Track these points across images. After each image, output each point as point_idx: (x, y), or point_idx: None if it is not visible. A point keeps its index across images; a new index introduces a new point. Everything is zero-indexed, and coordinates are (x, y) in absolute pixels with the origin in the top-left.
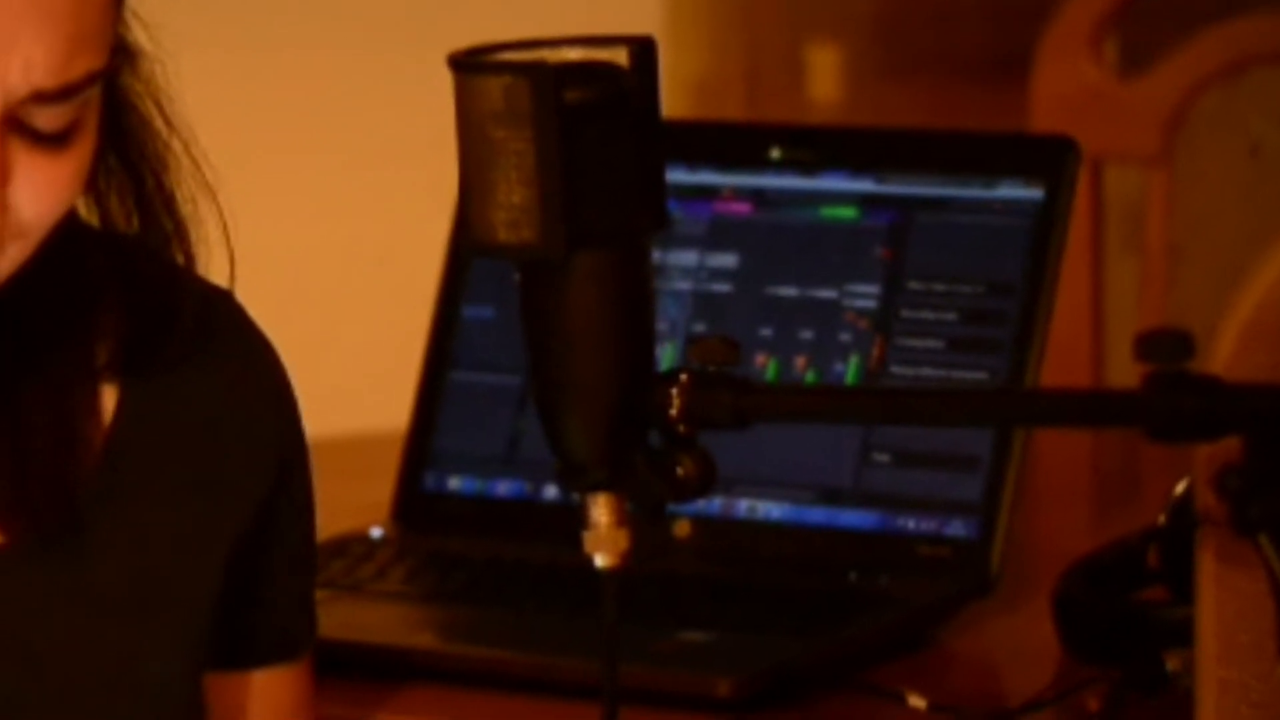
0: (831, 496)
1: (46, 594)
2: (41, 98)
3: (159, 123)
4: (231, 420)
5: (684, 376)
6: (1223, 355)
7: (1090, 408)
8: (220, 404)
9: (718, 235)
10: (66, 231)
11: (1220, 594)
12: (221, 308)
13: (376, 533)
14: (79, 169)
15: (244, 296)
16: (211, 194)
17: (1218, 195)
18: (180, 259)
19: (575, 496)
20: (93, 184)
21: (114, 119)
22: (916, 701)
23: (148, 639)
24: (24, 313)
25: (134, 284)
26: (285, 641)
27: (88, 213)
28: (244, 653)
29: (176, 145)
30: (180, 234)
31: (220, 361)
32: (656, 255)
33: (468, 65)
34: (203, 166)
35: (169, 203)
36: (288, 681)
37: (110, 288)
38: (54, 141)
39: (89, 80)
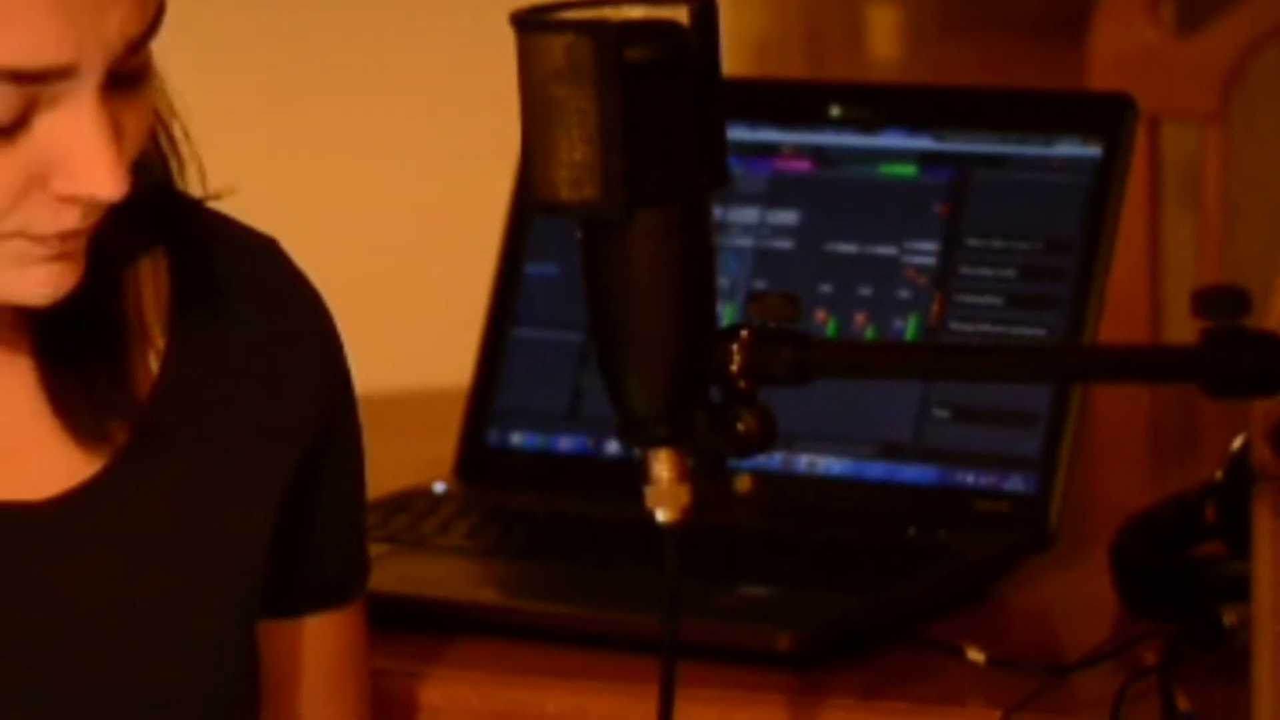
0: (891, 452)
1: (96, 546)
2: (133, 46)
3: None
4: (278, 368)
5: (745, 333)
6: (1279, 311)
7: (1148, 364)
8: (266, 352)
9: (778, 192)
10: None
11: (1277, 549)
12: (267, 256)
13: (439, 488)
14: (152, 97)
15: (308, 253)
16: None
17: (1274, 152)
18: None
19: (637, 452)
20: None
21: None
22: (975, 655)
23: (199, 589)
24: None
25: (177, 232)
26: (337, 587)
27: None
28: (296, 599)
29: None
30: (203, 174)
31: (266, 311)
32: (717, 212)
33: (530, 23)
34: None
35: (182, 144)
36: (340, 627)
37: (154, 236)
38: (136, 80)
39: (160, 13)
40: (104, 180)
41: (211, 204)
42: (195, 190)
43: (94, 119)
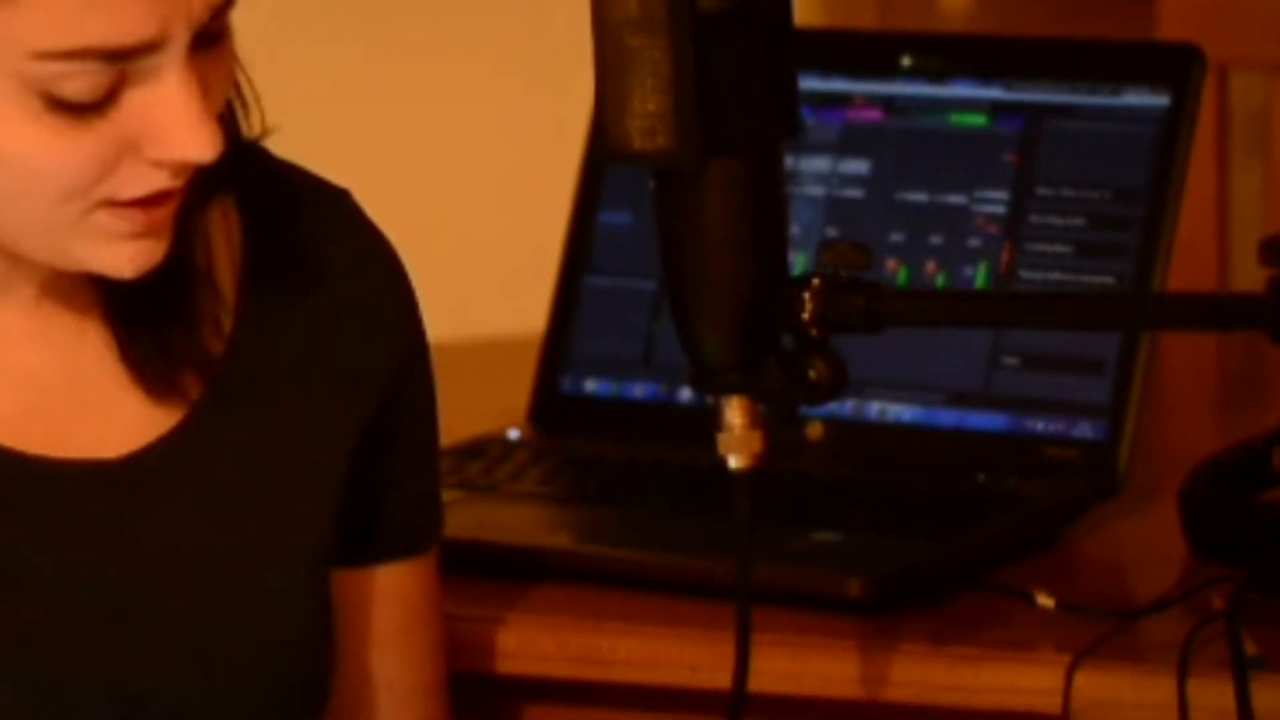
0: (961, 399)
1: (170, 504)
2: (216, 11)
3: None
4: (351, 320)
5: (816, 281)
6: None
7: (1215, 311)
8: (339, 305)
9: (849, 142)
10: None
11: None
12: (339, 207)
13: (514, 435)
14: (233, 55)
15: (385, 203)
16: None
17: None
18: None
19: (709, 399)
20: None
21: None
22: (1045, 601)
23: (272, 541)
24: None
25: (250, 185)
26: (410, 537)
27: None
28: (369, 549)
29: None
30: (262, 116)
31: (339, 262)
32: (789, 162)
33: None
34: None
35: (245, 88)
36: (413, 576)
37: (228, 188)
38: (218, 39)
39: None
40: (196, 143)
41: (285, 154)
42: (255, 131)
43: (183, 86)
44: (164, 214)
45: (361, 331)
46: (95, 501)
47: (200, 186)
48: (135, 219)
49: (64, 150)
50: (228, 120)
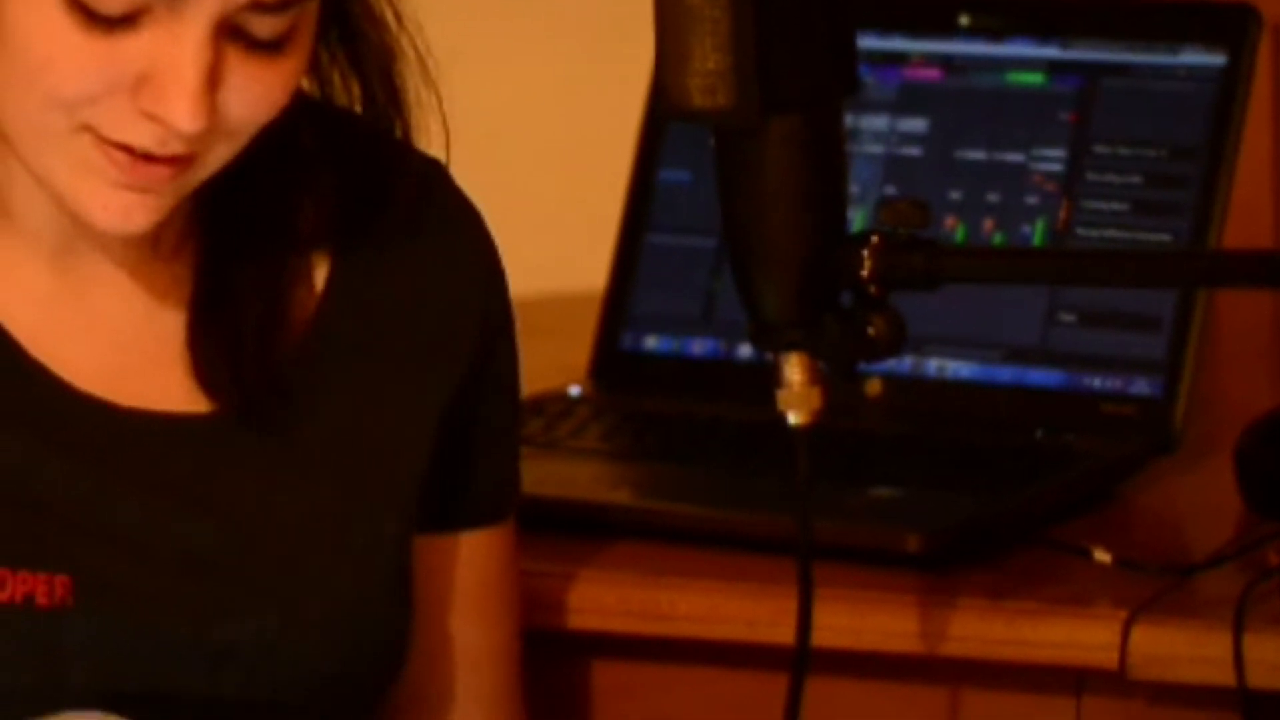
0: (1019, 356)
1: (257, 461)
2: (260, 6)
3: (389, 17)
4: (440, 289)
5: (875, 238)
6: None
7: (1272, 268)
8: (430, 273)
9: (908, 100)
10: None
11: None
12: (433, 179)
13: (575, 391)
14: (292, 76)
15: (450, 158)
16: (434, 89)
17: None
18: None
19: (769, 356)
20: (316, 64)
21: (343, 10)
22: (1102, 556)
23: (358, 503)
24: (236, 185)
25: (347, 155)
26: (492, 505)
27: (309, 85)
28: (452, 516)
29: (405, 40)
30: (404, 123)
31: (430, 232)
32: (848, 120)
33: None
34: (427, 62)
35: (395, 94)
36: (494, 543)
37: (323, 159)
38: (269, 49)
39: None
40: (181, 111)
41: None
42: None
43: (194, 51)
44: (153, 175)
45: (450, 299)
46: (183, 455)
47: (299, 158)
48: (120, 162)
49: (65, 49)
50: (342, 100)
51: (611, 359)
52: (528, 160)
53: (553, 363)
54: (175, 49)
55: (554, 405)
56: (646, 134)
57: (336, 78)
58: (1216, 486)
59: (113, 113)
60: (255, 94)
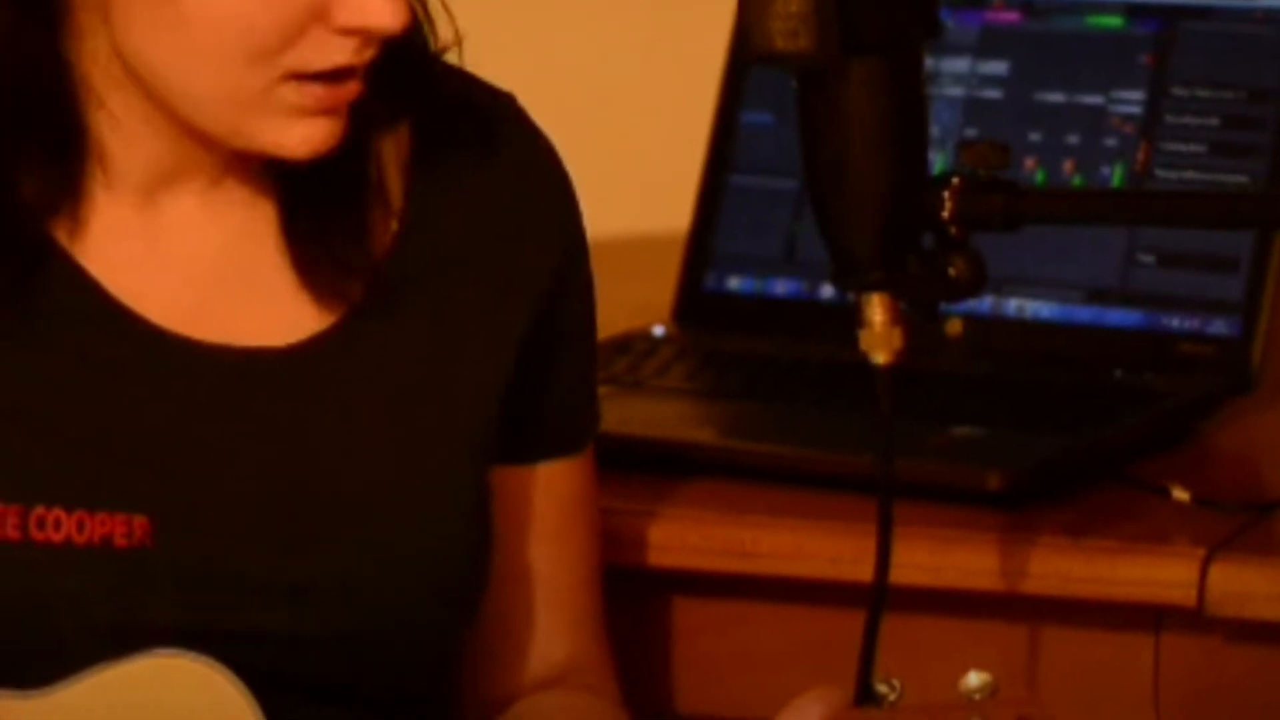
0: (1098, 296)
1: (335, 395)
2: None
3: None
4: (514, 219)
5: (956, 180)
6: None
7: None
8: (503, 203)
9: (988, 43)
10: None
11: None
12: (505, 112)
13: (658, 331)
14: None
15: (534, 101)
16: None
17: None
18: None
19: (851, 296)
20: None
21: None
22: (1180, 494)
23: (435, 436)
24: None
25: (419, 90)
26: (569, 434)
27: None
28: (529, 448)
29: None
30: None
31: (503, 165)
32: (929, 63)
33: None
34: None
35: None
36: (571, 473)
37: (397, 95)
38: None
39: None
40: (385, 11)
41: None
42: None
43: None
44: (346, 93)
45: (525, 233)
46: (261, 389)
47: (371, 94)
48: (319, 95)
49: (255, 10)
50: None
51: (695, 299)
52: (614, 103)
53: (637, 303)
54: None
55: (639, 345)
56: (729, 77)
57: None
58: None
59: (312, 46)
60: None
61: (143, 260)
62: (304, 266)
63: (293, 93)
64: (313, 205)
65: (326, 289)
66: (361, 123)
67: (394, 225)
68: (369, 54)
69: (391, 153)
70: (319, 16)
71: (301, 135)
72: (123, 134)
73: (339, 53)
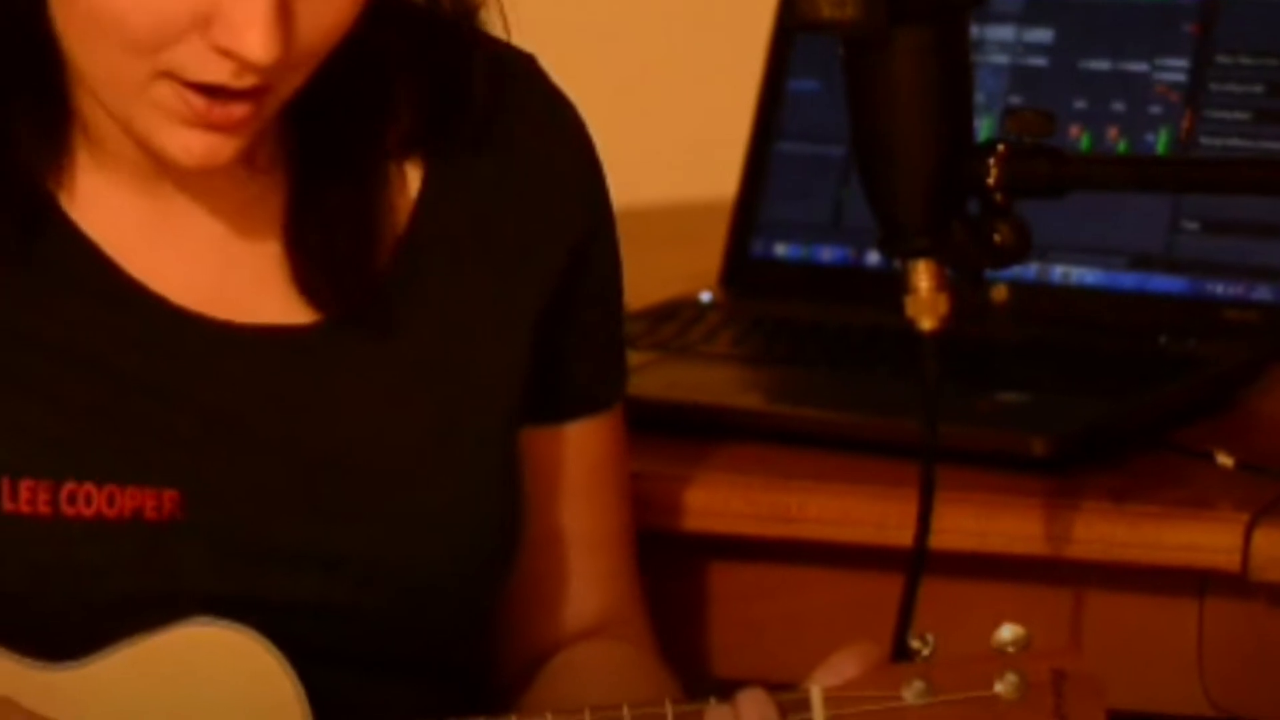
0: (1142, 263)
1: (358, 368)
2: None
3: None
4: (536, 186)
5: (1001, 147)
6: None
7: None
8: (524, 172)
9: (1033, 11)
10: (365, 12)
11: None
12: (524, 73)
13: (705, 297)
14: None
15: (582, 69)
16: None
17: None
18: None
19: (897, 263)
20: None
21: None
22: (1224, 460)
23: (461, 404)
24: (325, 96)
25: (434, 56)
26: (598, 393)
27: None
28: (557, 407)
29: None
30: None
31: (524, 129)
32: (974, 30)
33: None
34: None
35: None
36: (601, 431)
37: (410, 63)
38: None
39: None
40: (255, 43)
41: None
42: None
43: None
44: (231, 115)
45: (547, 194)
46: (284, 365)
47: (389, 59)
48: (196, 106)
49: (127, 6)
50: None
51: (742, 266)
52: (661, 70)
53: (684, 269)
54: None
55: (685, 311)
56: (776, 44)
57: None
58: None
59: (188, 53)
60: (326, 19)
61: (160, 241)
62: (324, 236)
63: (171, 95)
64: (331, 175)
65: (347, 259)
66: (372, 94)
67: (413, 193)
68: (249, 81)
69: (411, 119)
70: (199, 26)
71: (182, 143)
72: (110, 126)
73: (215, 70)
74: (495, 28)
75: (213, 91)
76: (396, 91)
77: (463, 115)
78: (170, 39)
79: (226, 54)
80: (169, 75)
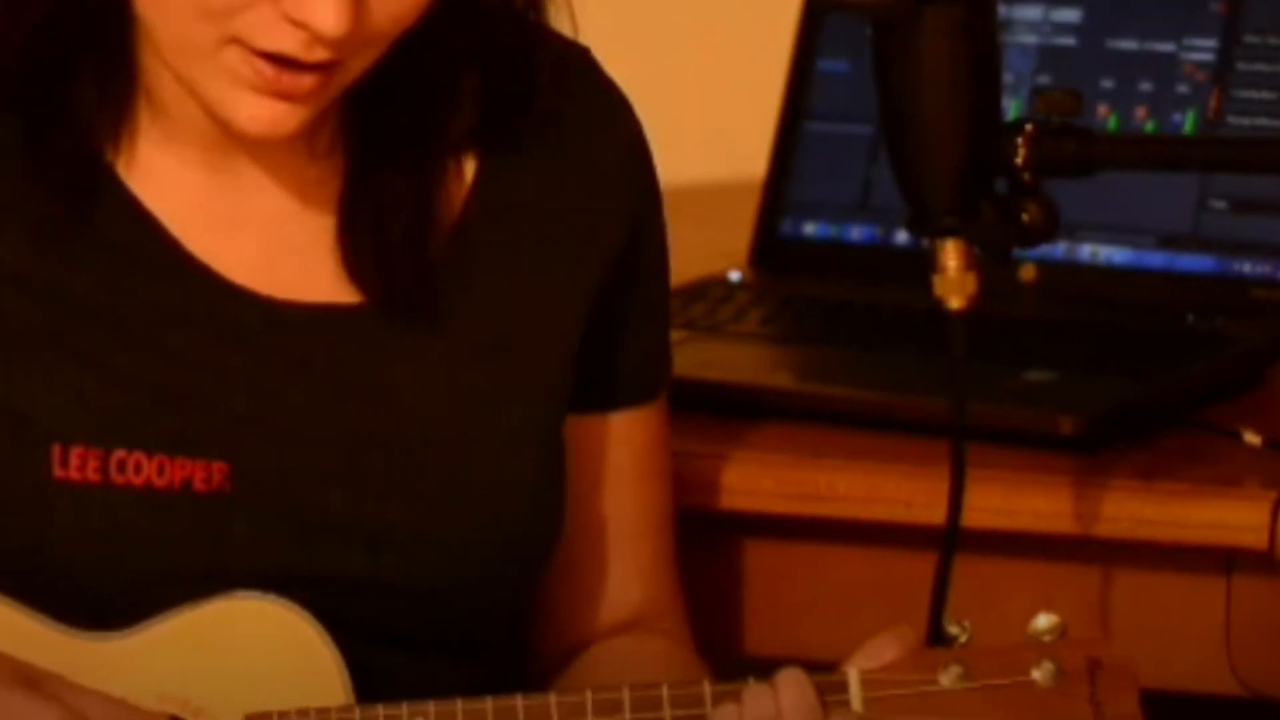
0: (1170, 242)
1: (407, 349)
2: None
3: None
4: (588, 178)
5: (1029, 127)
6: None
7: None
8: (577, 163)
9: None
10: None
11: None
12: (578, 65)
13: (735, 276)
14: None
15: (611, 50)
16: None
17: None
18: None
19: (925, 242)
20: None
21: None
22: (1252, 438)
23: (508, 389)
24: (386, 85)
25: (493, 48)
26: (644, 383)
27: None
28: (603, 396)
29: None
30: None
31: (577, 121)
32: (1002, 10)
33: None
34: None
35: None
36: (645, 422)
37: (471, 56)
38: None
39: None
40: (326, 14)
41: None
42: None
43: None
44: (301, 84)
45: (599, 185)
46: (335, 344)
47: (444, 49)
48: (263, 72)
49: None
50: None
51: (771, 245)
52: (691, 50)
53: (714, 249)
54: None
55: (715, 290)
56: (805, 24)
57: None
58: None
59: (259, 21)
60: (400, 2)
61: (218, 218)
62: (379, 219)
63: (240, 60)
64: (386, 159)
65: (402, 241)
66: (431, 76)
67: (469, 178)
68: (318, 55)
69: (466, 107)
70: None
71: (249, 111)
72: (175, 95)
73: (285, 39)
74: (563, 25)
75: (282, 62)
76: (461, 84)
77: (519, 107)
78: (242, 4)
79: (297, 24)
80: (238, 41)
